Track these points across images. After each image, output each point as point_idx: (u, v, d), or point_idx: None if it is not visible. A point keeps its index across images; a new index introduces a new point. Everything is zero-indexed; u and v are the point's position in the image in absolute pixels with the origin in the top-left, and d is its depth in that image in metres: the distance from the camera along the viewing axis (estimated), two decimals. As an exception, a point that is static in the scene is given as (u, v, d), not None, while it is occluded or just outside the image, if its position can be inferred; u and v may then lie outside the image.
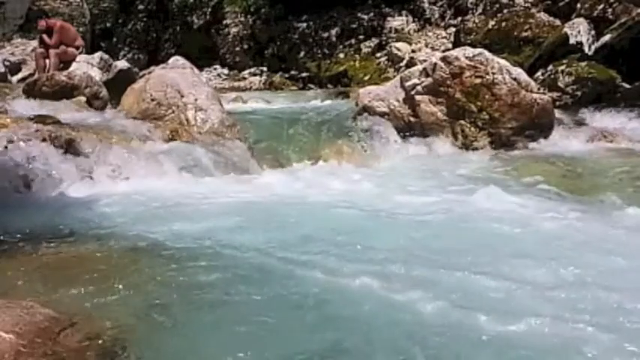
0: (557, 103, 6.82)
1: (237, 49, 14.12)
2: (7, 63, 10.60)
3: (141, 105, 5.59)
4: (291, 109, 7.28)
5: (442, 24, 11.83)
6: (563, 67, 7.45)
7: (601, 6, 8.14)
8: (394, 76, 7.70)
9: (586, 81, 7.19)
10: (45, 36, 8.36)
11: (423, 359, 1.76)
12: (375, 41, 12.12)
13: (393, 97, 5.87)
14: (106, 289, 2.26)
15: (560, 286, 2.25)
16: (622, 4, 7.94)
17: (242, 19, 14.18)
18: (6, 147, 3.96)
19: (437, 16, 12.02)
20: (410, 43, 11.31)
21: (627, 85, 6.99)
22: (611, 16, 7.93)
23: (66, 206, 3.54)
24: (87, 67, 8.04)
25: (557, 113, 6.02)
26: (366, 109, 5.93)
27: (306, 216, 3.33)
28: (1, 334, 1.64)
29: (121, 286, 2.28)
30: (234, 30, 14.21)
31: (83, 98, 6.41)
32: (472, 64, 5.56)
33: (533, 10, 9.75)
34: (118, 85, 6.76)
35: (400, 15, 12.29)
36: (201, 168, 4.54)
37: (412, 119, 5.72)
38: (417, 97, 5.68)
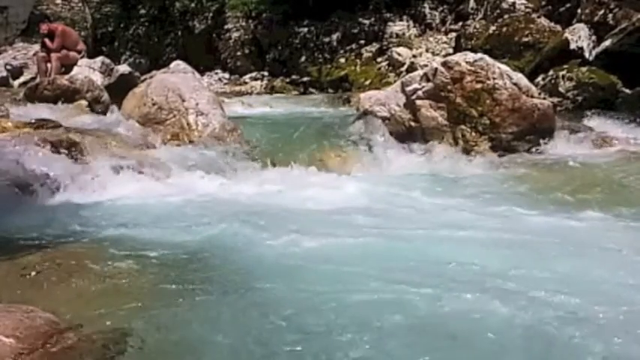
0: (558, 108, 6.82)
1: (239, 53, 14.15)
2: (9, 67, 10.65)
3: (142, 109, 5.59)
4: (292, 114, 7.30)
5: (443, 29, 11.84)
6: (563, 73, 7.46)
7: (601, 11, 8.14)
8: (395, 81, 7.69)
9: (587, 86, 7.20)
10: (47, 40, 8.36)
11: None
12: (376, 46, 12.15)
13: (393, 102, 5.87)
14: (106, 292, 2.27)
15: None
16: (622, 9, 7.95)
17: (243, 23, 14.21)
18: (8, 151, 3.97)
19: (438, 21, 12.04)
20: (411, 48, 11.32)
21: (628, 91, 6.99)
22: (611, 22, 7.93)
23: (66, 210, 3.55)
24: (88, 71, 8.04)
25: (558, 118, 6.01)
26: (367, 114, 5.93)
27: (303, 221, 3.33)
28: (2, 338, 1.64)
29: (121, 290, 2.28)
30: (235, 35, 14.24)
31: (85, 102, 6.42)
32: (473, 69, 5.57)
33: (534, 16, 9.75)
34: (120, 89, 6.76)
35: (401, 20, 12.32)
36: (202, 172, 4.54)
37: (413, 124, 5.72)
38: (418, 102, 5.68)
